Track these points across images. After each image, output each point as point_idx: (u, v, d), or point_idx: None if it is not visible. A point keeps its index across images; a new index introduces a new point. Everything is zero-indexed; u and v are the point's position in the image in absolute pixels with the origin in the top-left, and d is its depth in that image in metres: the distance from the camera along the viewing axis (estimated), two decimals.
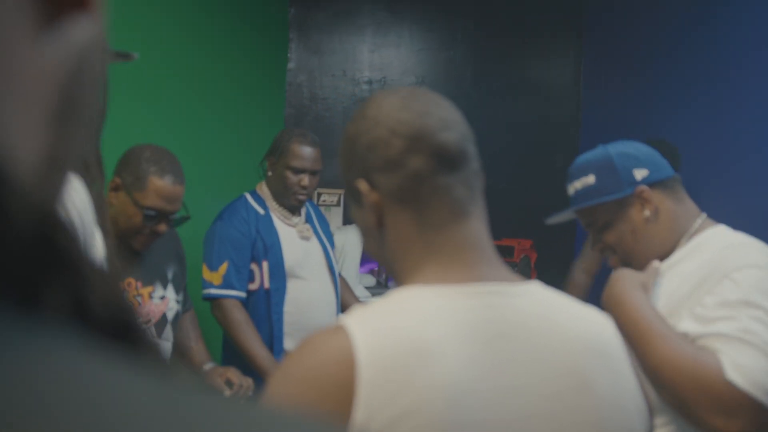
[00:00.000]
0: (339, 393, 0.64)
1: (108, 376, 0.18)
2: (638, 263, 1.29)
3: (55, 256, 0.20)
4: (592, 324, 0.74)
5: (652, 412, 0.75)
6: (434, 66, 4.09)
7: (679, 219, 1.28)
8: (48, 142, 0.23)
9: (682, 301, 1.15)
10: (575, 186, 1.36)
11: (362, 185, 0.77)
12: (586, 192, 1.33)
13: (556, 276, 3.46)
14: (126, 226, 1.72)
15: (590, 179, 1.32)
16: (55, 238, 0.20)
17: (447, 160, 0.74)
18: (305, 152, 2.31)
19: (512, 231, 3.54)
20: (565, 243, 4.00)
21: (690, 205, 1.31)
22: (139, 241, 1.77)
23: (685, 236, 1.27)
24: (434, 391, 0.64)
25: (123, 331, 0.21)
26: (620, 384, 0.72)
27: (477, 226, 0.76)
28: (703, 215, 1.31)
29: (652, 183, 1.28)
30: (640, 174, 1.28)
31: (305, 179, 2.31)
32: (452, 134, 0.75)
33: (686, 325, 1.11)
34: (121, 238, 1.74)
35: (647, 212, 1.27)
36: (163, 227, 1.76)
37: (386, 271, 0.81)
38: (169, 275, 1.95)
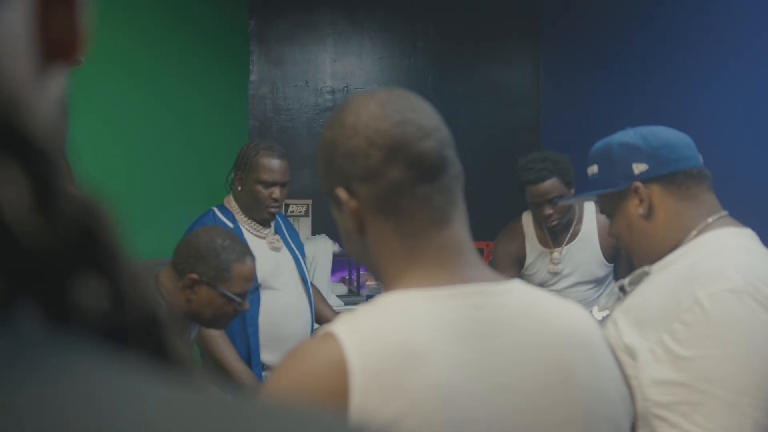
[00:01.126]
0: (333, 400, 0.65)
1: (126, 385, 0.19)
2: (636, 258, 1.27)
3: (95, 248, 0.21)
4: (573, 318, 0.76)
5: (633, 400, 0.78)
6: (396, 73, 4.12)
7: (680, 218, 1.21)
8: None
9: (652, 314, 1.09)
10: (587, 172, 1.34)
11: (342, 194, 0.77)
12: (591, 181, 1.32)
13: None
14: (216, 316, 1.70)
15: (594, 169, 1.31)
16: (94, 230, 0.21)
17: (426, 169, 0.74)
18: (275, 165, 2.31)
19: (480, 233, 3.57)
20: None
21: (705, 202, 1.22)
22: (226, 323, 1.76)
23: (688, 236, 1.20)
24: (427, 391, 0.65)
25: (148, 323, 0.22)
26: (603, 374, 0.74)
27: (458, 231, 0.76)
28: (721, 213, 1.21)
29: (652, 178, 1.22)
30: (638, 168, 1.23)
31: (276, 192, 2.30)
32: (430, 142, 0.75)
33: (658, 367, 1.05)
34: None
35: (641, 209, 1.23)
36: (247, 304, 1.76)
37: (371, 273, 0.82)
38: None
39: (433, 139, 0.75)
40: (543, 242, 2.59)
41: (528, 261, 2.62)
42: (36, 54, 0.25)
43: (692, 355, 1.01)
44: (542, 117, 4.19)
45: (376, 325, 0.70)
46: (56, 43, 0.26)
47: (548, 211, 2.45)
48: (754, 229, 1.24)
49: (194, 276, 1.65)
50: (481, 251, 3.38)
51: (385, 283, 0.78)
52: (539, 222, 2.55)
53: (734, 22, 2.60)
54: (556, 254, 2.55)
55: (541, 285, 2.54)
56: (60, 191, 0.20)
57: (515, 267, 2.62)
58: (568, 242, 2.57)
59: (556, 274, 2.56)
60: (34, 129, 0.20)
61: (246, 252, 1.72)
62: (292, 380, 0.67)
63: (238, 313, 1.74)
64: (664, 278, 1.14)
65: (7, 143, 0.19)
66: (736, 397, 0.98)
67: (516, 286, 0.76)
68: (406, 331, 0.69)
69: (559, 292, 2.52)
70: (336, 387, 0.65)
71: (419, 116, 0.76)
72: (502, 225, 4.04)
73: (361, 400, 0.64)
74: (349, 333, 0.69)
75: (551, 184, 2.38)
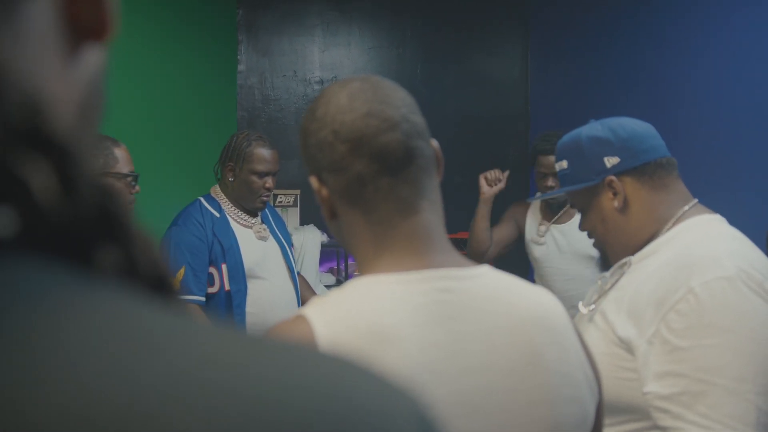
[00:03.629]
0: None
1: (142, 311, 0.24)
2: (611, 252, 1.26)
3: (112, 222, 0.25)
4: (539, 302, 0.77)
5: (599, 382, 0.79)
6: (384, 64, 4.12)
7: (656, 208, 1.20)
8: (79, 129, 0.30)
9: (646, 304, 1.08)
10: (557, 168, 1.33)
11: (313, 182, 0.80)
12: (562, 176, 1.30)
13: (509, 265, 3.52)
14: None
15: (564, 164, 1.29)
16: (110, 208, 0.25)
17: (389, 162, 0.75)
18: (268, 155, 2.34)
19: (466, 224, 3.59)
20: None
21: (678, 191, 1.22)
22: (130, 201, 1.98)
23: (666, 226, 1.20)
24: (396, 372, 0.66)
25: (159, 283, 0.27)
26: (568, 356, 0.75)
27: (427, 219, 0.77)
28: (693, 202, 1.22)
29: (624, 171, 1.22)
30: (610, 162, 1.22)
31: (269, 181, 2.34)
32: (395, 135, 0.75)
33: (657, 360, 1.04)
34: None
35: (616, 203, 1.22)
36: (138, 187, 1.99)
37: (351, 256, 0.84)
38: None
39: (399, 131, 0.76)
40: (543, 215, 2.72)
41: (526, 229, 2.73)
42: (64, 37, 0.27)
43: (689, 345, 1.01)
44: (531, 107, 4.20)
45: (346, 307, 0.71)
46: (85, 25, 0.28)
47: (551, 183, 2.58)
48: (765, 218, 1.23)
49: None
50: (465, 240, 3.39)
51: (360, 268, 0.80)
52: (542, 191, 2.65)
53: (721, 11, 2.61)
54: (542, 227, 2.67)
55: (539, 259, 2.66)
56: (79, 178, 0.24)
57: (512, 226, 2.76)
58: (560, 221, 2.65)
59: (539, 245, 2.67)
60: (56, 128, 0.23)
61: (117, 141, 1.94)
62: None
63: (133, 193, 1.92)
64: (652, 268, 1.13)
65: (34, 142, 0.23)
66: (737, 384, 0.97)
67: (485, 271, 0.77)
68: (376, 314, 0.70)
69: (556, 268, 2.62)
70: None
71: (387, 107, 0.76)
72: (491, 215, 4.06)
73: None
74: (319, 315, 0.70)
75: None
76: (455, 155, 4.20)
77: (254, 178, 2.31)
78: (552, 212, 2.67)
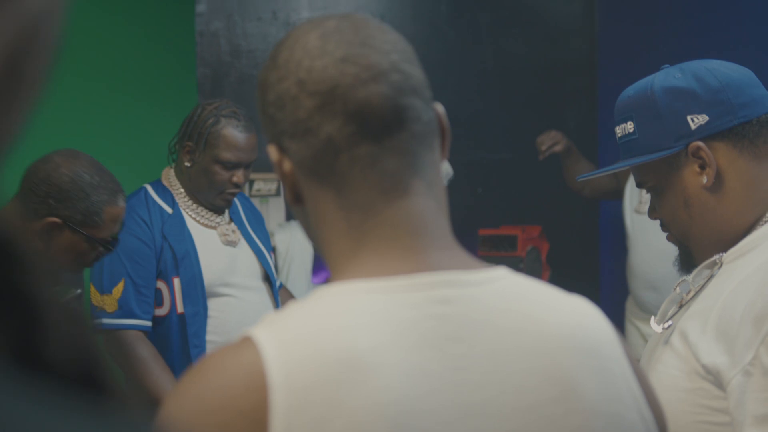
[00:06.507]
0: (247, 425, 0.67)
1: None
2: (697, 247, 1.25)
3: (11, 294, 0.23)
4: (577, 316, 0.77)
5: (664, 427, 0.79)
6: (396, 0, 4.13)
7: (758, 186, 1.21)
8: None
9: (741, 321, 1.09)
10: (617, 132, 1.31)
11: (272, 152, 0.80)
12: (626, 144, 1.29)
13: (575, 272, 3.51)
14: (75, 263, 1.95)
15: (629, 126, 1.28)
16: (5, 269, 0.23)
17: (372, 123, 0.76)
18: (240, 140, 2.34)
19: (514, 216, 3.59)
20: (586, 228, 4.06)
21: None
22: (82, 270, 2.09)
23: None
24: (373, 412, 0.67)
25: (82, 375, 0.25)
26: (616, 391, 0.75)
27: (422, 204, 0.78)
28: None
29: (715, 133, 1.21)
30: (696, 122, 1.21)
31: (239, 174, 2.35)
32: (379, 87, 0.76)
33: (760, 396, 1.04)
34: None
35: (705, 178, 1.21)
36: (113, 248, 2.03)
37: (321, 257, 0.85)
38: None
39: (385, 83, 0.77)
40: None
41: (626, 195, 3.18)
42: None
43: None
44: (599, 55, 4.19)
45: (307, 326, 0.72)
46: None
47: None
48: None
49: (55, 220, 1.84)
50: (514, 239, 3.38)
51: (331, 269, 0.80)
52: None
53: None
54: (646, 193, 2.94)
55: (637, 232, 3.09)
56: None
57: (611, 177, 3.16)
58: None
59: (641, 214, 2.94)
60: None
61: (117, 189, 1.96)
62: (196, 397, 0.70)
63: (98, 259, 2.01)
64: (748, 270, 1.14)
65: None
66: None
67: (501, 274, 0.77)
68: (347, 335, 0.71)
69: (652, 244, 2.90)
70: (252, 407, 0.67)
71: (371, 52, 0.77)
72: (545, 202, 4.06)
73: (283, 423, 0.66)
74: (270, 337, 0.71)
75: None
76: (497, 123, 4.19)
77: (218, 169, 2.31)
78: None
